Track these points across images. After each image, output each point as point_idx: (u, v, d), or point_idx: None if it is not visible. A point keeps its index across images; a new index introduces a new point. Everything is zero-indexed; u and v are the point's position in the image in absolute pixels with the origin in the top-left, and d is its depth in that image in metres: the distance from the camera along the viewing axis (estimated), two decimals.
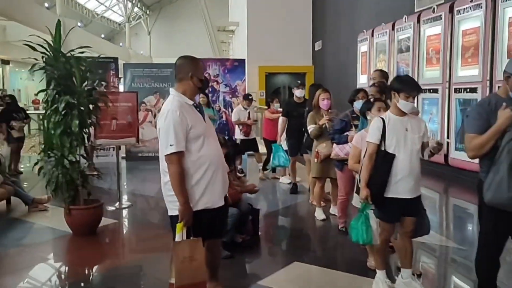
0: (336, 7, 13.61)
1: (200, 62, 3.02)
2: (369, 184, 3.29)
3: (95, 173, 5.86)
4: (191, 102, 2.93)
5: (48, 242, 4.89)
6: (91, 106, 4.97)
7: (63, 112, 4.67)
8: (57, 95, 4.72)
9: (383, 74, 5.42)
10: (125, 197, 6.55)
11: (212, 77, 10.46)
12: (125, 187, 7.59)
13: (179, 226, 2.83)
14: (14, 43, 22.34)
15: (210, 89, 10.41)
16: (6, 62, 24.03)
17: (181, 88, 2.93)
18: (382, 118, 3.36)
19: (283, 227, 5.49)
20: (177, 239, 2.83)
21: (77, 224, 4.89)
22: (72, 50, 4.86)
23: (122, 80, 10.34)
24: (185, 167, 2.81)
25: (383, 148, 3.29)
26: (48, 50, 4.76)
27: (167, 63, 10.76)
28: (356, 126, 4.71)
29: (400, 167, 3.23)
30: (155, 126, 9.25)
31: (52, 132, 4.73)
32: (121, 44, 37.36)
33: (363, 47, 11.12)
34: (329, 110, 5.39)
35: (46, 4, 23.05)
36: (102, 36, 35.33)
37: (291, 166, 6.89)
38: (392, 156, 3.24)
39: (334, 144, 4.88)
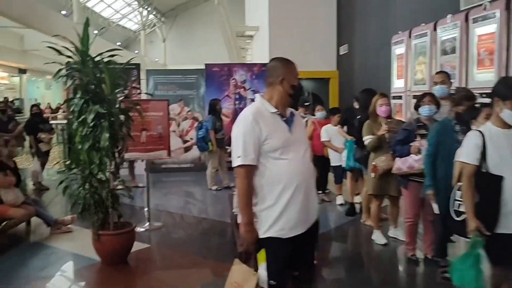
0: (365, 7, 12.94)
1: (294, 66, 2.52)
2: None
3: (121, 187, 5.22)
4: (273, 110, 2.43)
5: (75, 272, 4.30)
6: (121, 117, 4.40)
7: (91, 124, 4.10)
8: (84, 105, 4.16)
9: (449, 76, 4.78)
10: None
11: (239, 83, 9.87)
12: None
13: (261, 255, 2.41)
14: (31, 51, 22.14)
15: (237, 96, 9.84)
16: (23, 71, 23.79)
17: (269, 93, 2.48)
18: (480, 131, 2.72)
19: (341, 254, 4.81)
20: (260, 271, 2.42)
21: (107, 252, 4.30)
22: (101, 54, 4.30)
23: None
24: (258, 185, 2.38)
25: (484, 170, 2.65)
26: (75, 53, 4.20)
27: (192, 69, 10.23)
28: (422, 136, 4.08)
29: (510, 193, 2.58)
30: (180, 136, 8.67)
31: (79, 146, 4.16)
32: (136, 51, 37.10)
33: (398, 50, 10.43)
34: (389, 119, 4.74)
35: (63, 12, 22.80)
36: (118, 43, 35.12)
37: (350, 181, 6.07)
38: (500, 179, 2.59)
39: (396, 158, 4.25)
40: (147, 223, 5.58)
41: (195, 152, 9.83)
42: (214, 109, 7.67)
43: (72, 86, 4.25)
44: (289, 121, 2.46)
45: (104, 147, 4.07)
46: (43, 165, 8.17)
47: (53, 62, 4.24)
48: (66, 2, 26.16)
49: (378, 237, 4.81)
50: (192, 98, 9.85)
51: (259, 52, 19.75)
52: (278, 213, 2.36)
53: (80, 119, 4.10)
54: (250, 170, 2.35)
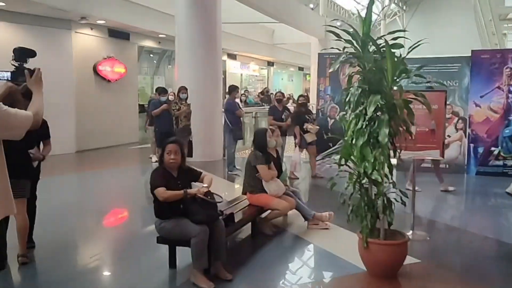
0: None
1: None
2: None
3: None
4: None
5: (341, 280, 3.90)
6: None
7: (368, 117, 3.62)
8: (362, 95, 3.70)
9: None
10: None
11: None
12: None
13: None
14: (278, 45, 23.80)
15: (511, 88, 8.19)
16: (271, 64, 25.82)
17: None
18: None
19: None
20: None
21: (375, 262, 3.77)
22: (381, 37, 3.77)
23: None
24: None
25: None
26: (354, 38, 3.77)
27: (455, 56, 9.00)
28: None
29: None
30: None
31: (352, 141, 3.73)
32: None
33: None
34: None
35: (311, 5, 23.73)
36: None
37: None
38: None
39: None
40: (410, 232, 4.88)
41: (451, 152, 8.64)
42: None
43: (348, 74, 3.80)
44: None
45: (383, 144, 3.53)
46: (314, 156, 8.26)
47: (332, 49, 3.88)
48: None
49: None
50: (453, 90, 8.60)
51: None
52: None
53: (356, 111, 3.66)
54: None
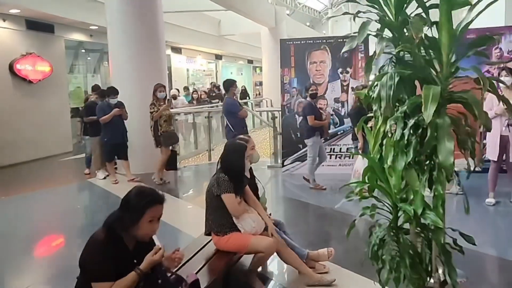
0: None
1: None
2: None
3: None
4: None
5: None
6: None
7: (411, 122, 2.24)
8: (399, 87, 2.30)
9: None
10: None
11: (506, 54, 7.17)
12: None
13: None
14: (226, 37, 22.21)
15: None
16: (219, 57, 24.21)
17: None
18: None
19: None
20: None
21: None
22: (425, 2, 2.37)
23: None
24: None
25: None
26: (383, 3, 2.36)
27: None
28: None
29: None
30: None
31: (387, 162, 2.33)
32: (324, 32, 35.75)
33: None
34: None
35: None
36: (307, 24, 34.32)
37: None
38: None
39: None
40: (440, 270, 3.57)
41: None
42: None
43: (379, 53, 2.36)
44: None
45: (446, 166, 2.14)
46: None
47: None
48: None
49: None
50: None
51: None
52: None
53: (397, 113, 2.25)
54: None
